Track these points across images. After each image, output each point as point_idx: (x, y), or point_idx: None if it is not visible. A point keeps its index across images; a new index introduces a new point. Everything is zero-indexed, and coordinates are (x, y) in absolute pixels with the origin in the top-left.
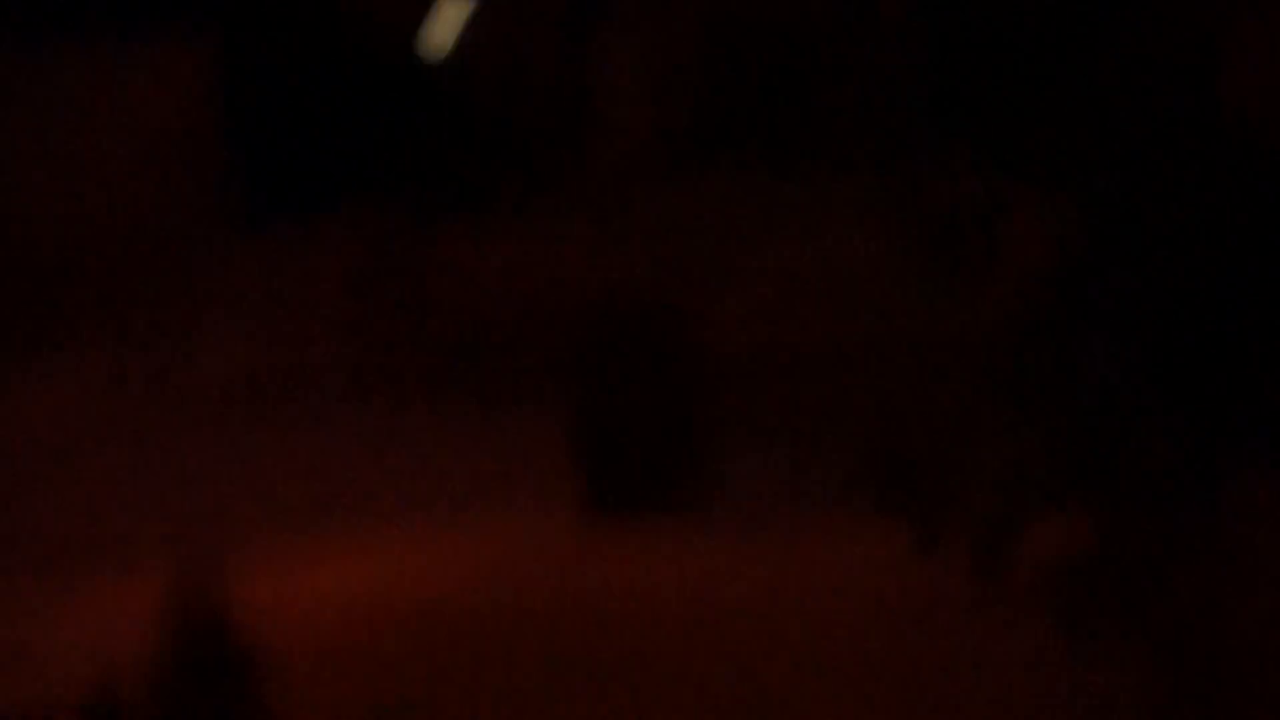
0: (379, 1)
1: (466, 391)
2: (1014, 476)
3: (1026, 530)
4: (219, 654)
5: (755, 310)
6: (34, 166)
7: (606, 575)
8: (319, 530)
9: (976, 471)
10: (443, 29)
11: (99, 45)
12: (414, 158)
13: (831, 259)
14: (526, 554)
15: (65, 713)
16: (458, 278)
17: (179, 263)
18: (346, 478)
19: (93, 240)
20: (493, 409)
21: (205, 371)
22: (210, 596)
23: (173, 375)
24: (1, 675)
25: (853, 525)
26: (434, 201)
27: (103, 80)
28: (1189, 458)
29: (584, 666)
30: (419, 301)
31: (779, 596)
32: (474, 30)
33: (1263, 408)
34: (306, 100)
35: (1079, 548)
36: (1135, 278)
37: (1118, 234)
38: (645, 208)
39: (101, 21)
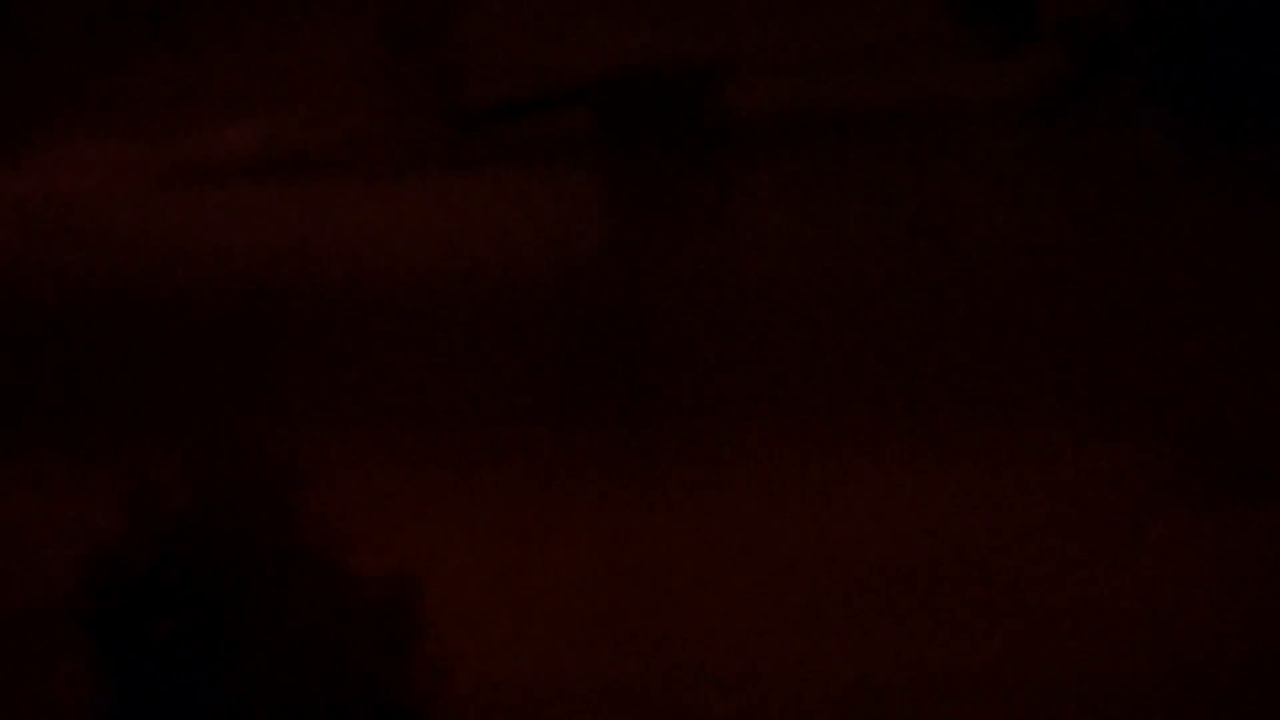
0: None
1: (498, 159)
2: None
3: None
4: None
5: (792, 72)
6: None
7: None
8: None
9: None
10: None
11: None
12: None
13: (869, 22)
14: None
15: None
16: (484, 42)
17: (207, 25)
18: (363, 257)
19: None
20: (518, 185)
21: (230, 145)
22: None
23: (200, 145)
24: None
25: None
26: None
27: None
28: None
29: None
30: (450, 65)
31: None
32: None
33: None
34: None
35: None
36: (1173, 45)
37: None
38: None
39: None
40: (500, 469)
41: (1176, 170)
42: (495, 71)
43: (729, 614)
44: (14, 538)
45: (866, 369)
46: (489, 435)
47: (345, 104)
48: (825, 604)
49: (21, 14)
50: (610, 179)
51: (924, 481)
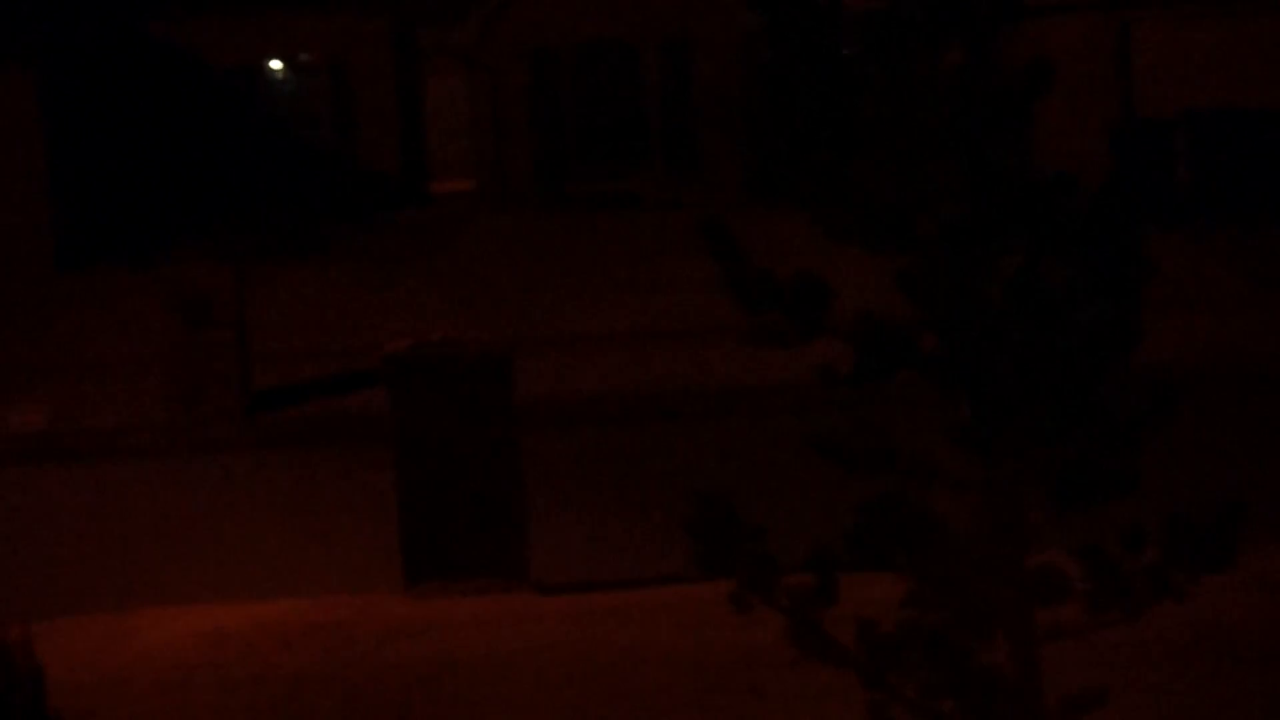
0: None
1: (287, 448)
2: (829, 536)
3: (838, 590)
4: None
5: (577, 360)
6: None
7: (424, 642)
8: (136, 593)
9: (793, 528)
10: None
11: None
12: (240, 201)
13: (657, 309)
14: (347, 620)
15: None
16: (279, 324)
17: None
18: (163, 540)
19: None
20: (313, 464)
21: (16, 425)
22: (18, 661)
23: None
24: None
25: (671, 584)
26: (259, 246)
27: None
28: (996, 527)
29: None
30: (236, 350)
31: (596, 657)
32: (311, 74)
33: (1075, 483)
34: (130, 139)
35: (890, 610)
36: (951, 341)
37: (934, 297)
38: (473, 252)
39: None
40: None
41: (961, 463)
42: (288, 351)
43: None
44: None
45: None
46: None
47: (135, 383)
48: None
49: None
50: (404, 461)
51: None
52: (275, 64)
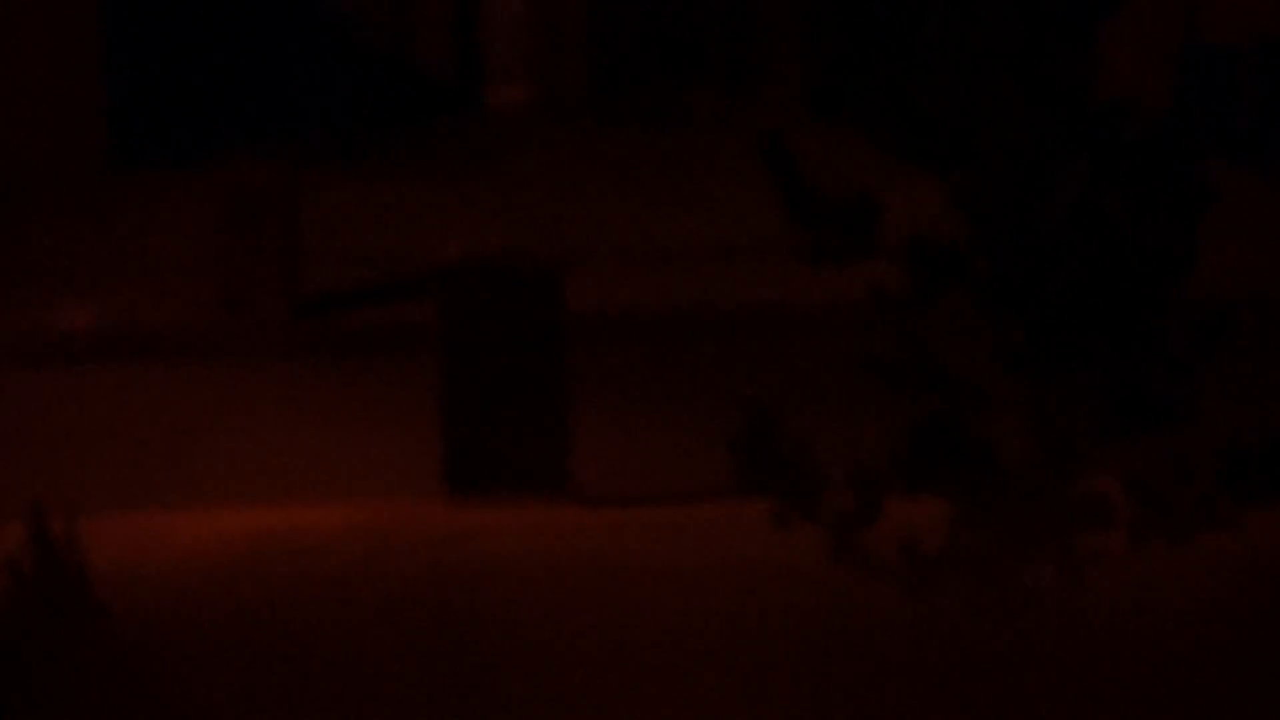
0: None
1: (333, 355)
2: (874, 456)
3: (881, 509)
4: (73, 609)
5: (627, 275)
6: None
7: (463, 549)
8: (178, 495)
9: (838, 448)
10: None
11: None
12: (292, 103)
13: (709, 226)
14: (386, 526)
15: None
16: (328, 230)
17: (48, 201)
18: (206, 442)
19: None
20: (358, 373)
21: (65, 324)
22: (63, 553)
23: (32, 325)
24: None
25: (714, 498)
26: (310, 150)
27: None
28: (1043, 452)
29: (452, 638)
30: (286, 255)
31: (629, 569)
32: None
33: (1127, 410)
34: (183, 41)
35: (931, 531)
36: (1006, 263)
37: (991, 218)
38: (526, 163)
39: None
40: None
41: (1011, 388)
42: (337, 258)
43: None
44: None
45: None
46: None
47: (184, 285)
48: None
49: None
50: (450, 371)
51: None
52: None
